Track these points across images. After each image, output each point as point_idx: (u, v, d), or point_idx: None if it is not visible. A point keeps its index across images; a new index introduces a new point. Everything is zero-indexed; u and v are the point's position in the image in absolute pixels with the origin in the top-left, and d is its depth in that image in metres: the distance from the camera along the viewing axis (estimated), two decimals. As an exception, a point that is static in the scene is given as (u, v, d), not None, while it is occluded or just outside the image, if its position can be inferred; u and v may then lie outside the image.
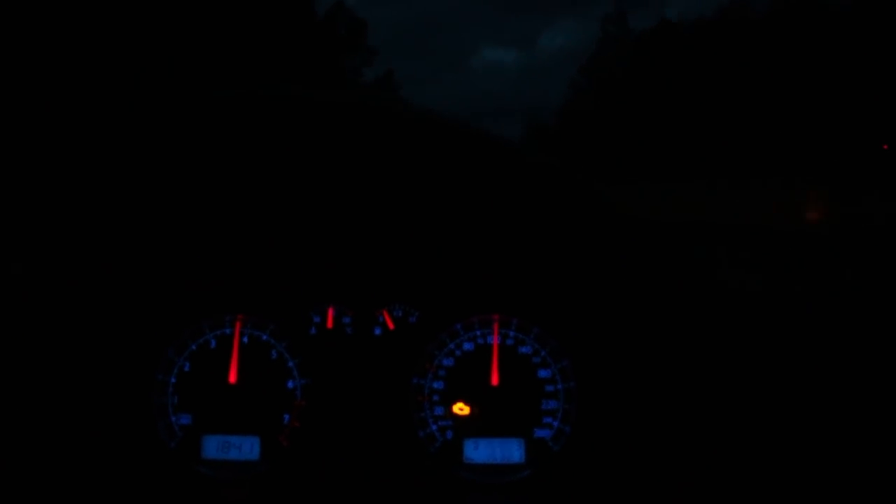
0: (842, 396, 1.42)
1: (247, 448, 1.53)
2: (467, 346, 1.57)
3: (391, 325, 1.57)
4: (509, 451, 1.53)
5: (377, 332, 1.57)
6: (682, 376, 1.46)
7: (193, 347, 1.57)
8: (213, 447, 1.53)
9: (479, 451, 1.53)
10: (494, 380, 1.53)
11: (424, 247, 1.55)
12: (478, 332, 1.57)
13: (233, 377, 1.54)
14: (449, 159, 1.32)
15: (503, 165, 1.30)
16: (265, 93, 1.15)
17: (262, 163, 1.45)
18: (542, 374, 1.56)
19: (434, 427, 1.54)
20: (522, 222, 1.49)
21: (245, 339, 1.57)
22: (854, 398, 1.41)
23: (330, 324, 1.57)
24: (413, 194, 1.50)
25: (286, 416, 1.54)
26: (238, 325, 1.56)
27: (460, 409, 1.55)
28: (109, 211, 1.50)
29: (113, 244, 1.54)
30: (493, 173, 1.34)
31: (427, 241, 1.55)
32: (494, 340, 1.55)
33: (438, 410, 1.55)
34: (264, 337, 1.57)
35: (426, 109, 1.16)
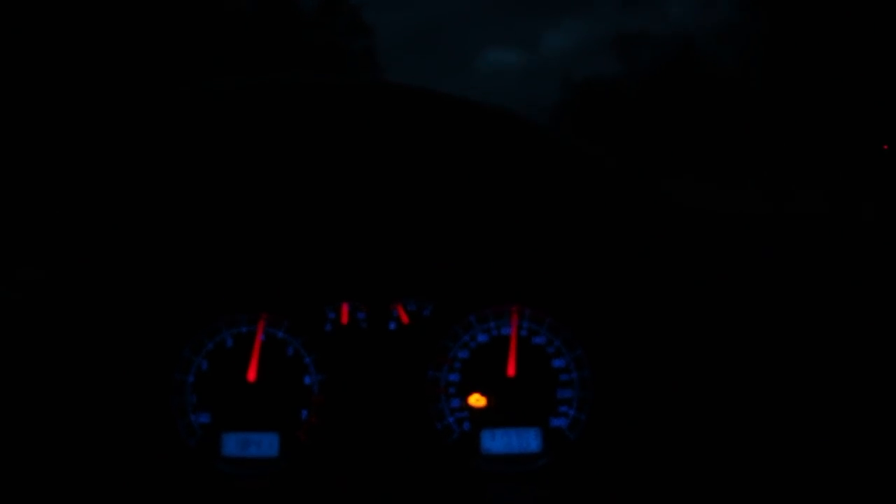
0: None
1: (266, 445, 1.55)
2: (482, 337, 1.58)
3: (405, 319, 1.58)
4: (526, 440, 1.54)
5: (392, 326, 1.58)
6: (697, 363, 1.47)
7: (210, 346, 1.59)
8: (233, 445, 1.55)
9: (497, 442, 1.54)
10: (511, 370, 1.54)
11: (435, 240, 1.57)
12: (492, 324, 1.58)
13: (252, 375, 1.55)
14: (458, 145, 1.32)
15: (517, 150, 1.30)
16: (273, 79, 1.16)
17: (271, 159, 1.46)
18: (557, 363, 1.57)
19: (451, 419, 1.55)
20: (532, 211, 1.50)
21: (262, 337, 1.58)
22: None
23: (345, 319, 1.58)
24: (421, 187, 1.51)
25: (304, 412, 1.56)
26: (262, 323, 1.57)
27: (476, 400, 1.56)
28: (122, 214, 1.52)
29: (126, 246, 1.56)
30: (504, 159, 1.34)
31: (437, 233, 1.56)
32: (513, 331, 1.56)
33: (455, 402, 1.56)
34: (280, 334, 1.59)
35: (436, 92, 1.17)
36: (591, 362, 1.56)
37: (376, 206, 1.54)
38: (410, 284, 1.59)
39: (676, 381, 1.48)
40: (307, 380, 1.57)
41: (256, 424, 1.55)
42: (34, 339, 1.49)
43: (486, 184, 1.44)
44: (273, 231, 1.58)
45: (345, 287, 1.60)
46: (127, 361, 1.54)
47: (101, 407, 1.51)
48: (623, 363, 1.53)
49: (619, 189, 1.35)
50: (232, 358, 1.58)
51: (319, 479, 1.52)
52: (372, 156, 1.43)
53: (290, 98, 1.20)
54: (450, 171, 1.42)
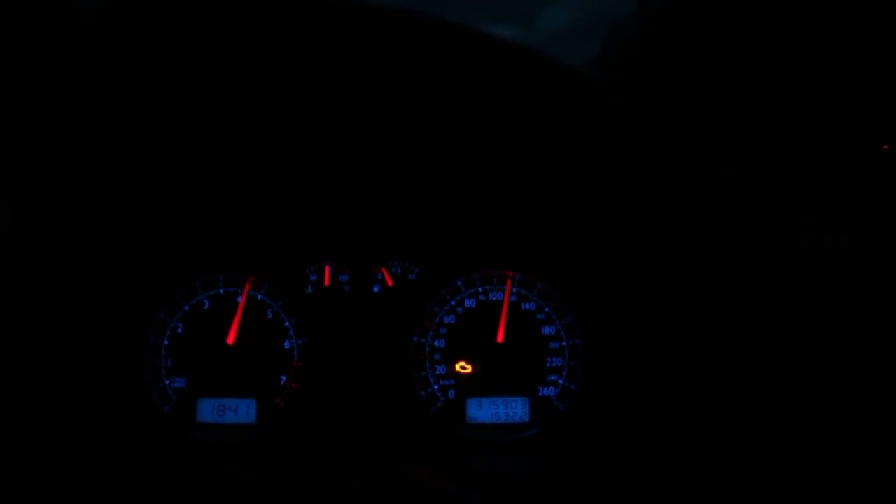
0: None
1: (243, 411, 1.49)
2: (469, 302, 1.53)
3: (390, 283, 1.52)
4: (513, 409, 1.48)
5: (376, 289, 1.52)
6: (689, 336, 1.42)
7: (186, 308, 1.52)
8: (209, 411, 1.49)
9: (483, 411, 1.49)
10: (500, 337, 1.49)
11: (423, 201, 1.50)
12: (479, 289, 1.53)
13: (232, 338, 1.49)
14: (450, 96, 1.25)
15: (525, 93, 1.22)
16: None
17: (253, 114, 1.39)
18: (546, 330, 1.52)
19: (436, 386, 1.50)
20: (527, 173, 1.44)
21: (238, 299, 1.52)
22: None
23: (327, 282, 1.52)
24: (410, 146, 1.44)
25: (283, 378, 1.50)
26: (247, 286, 1.51)
27: (462, 367, 1.50)
28: (99, 171, 1.45)
29: (102, 204, 1.49)
30: (501, 110, 1.27)
31: (425, 195, 1.50)
32: (506, 296, 1.50)
33: (440, 369, 1.50)
34: (259, 296, 1.53)
35: (438, 19, 1.08)
36: (581, 330, 1.51)
37: (362, 166, 1.48)
38: (396, 247, 1.53)
39: (667, 352, 1.43)
40: (287, 344, 1.51)
41: (233, 390, 1.49)
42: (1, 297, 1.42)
43: (480, 140, 1.38)
44: (253, 190, 1.51)
45: (327, 248, 1.53)
46: (100, 323, 1.47)
47: (71, 369, 1.44)
48: (614, 332, 1.48)
49: (626, 149, 1.30)
50: (208, 321, 1.51)
51: (298, 447, 1.46)
52: (359, 108, 1.36)
53: (270, 21, 1.11)
54: (441, 125, 1.34)
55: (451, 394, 1.50)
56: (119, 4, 1.04)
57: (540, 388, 1.50)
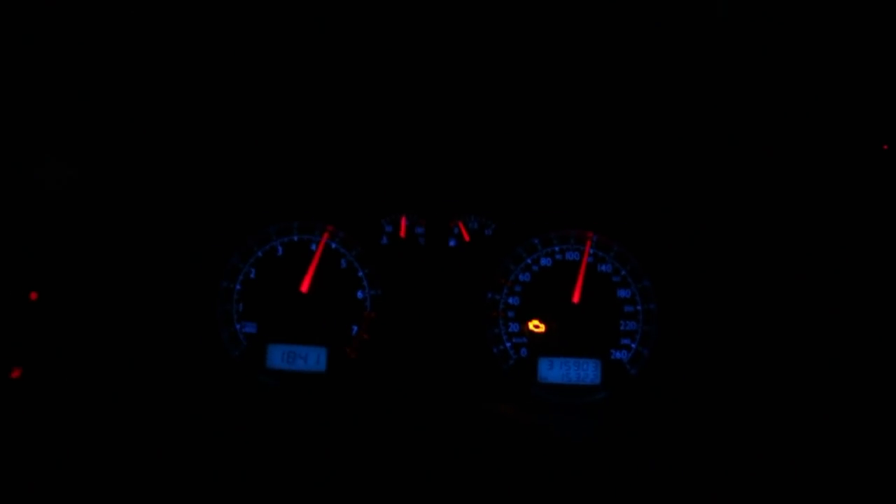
0: None
1: (313, 359, 1.48)
2: (545, 261, 1.51)
3: (466, 237, 1.50)
4: (585, 371, 1.47)
5: (451, 243, 1.51)
6: (768, 307, 1.40)
7: (259, 254, 1.51)
8: (278, 357, 1.48)
9: (554, 371, 1.47)
10: (576, 297, 1.47)
11: (504, 157, 1.48)
12: (556, 248, 1.51)
13: (306, 285, 1.48)
14: (534, 46, 1.22)
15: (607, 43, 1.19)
16: None
17: (336, 64, 1.37)
18: (622, 293, 1.50)
19: (508, 344, 1.48)
20: (609, 132, 1.41)
21: (313, 247, 1.51)
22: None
23: (402, 233, 1.51)
24: (494, 101, 1.42)
25: (355, 328, 1.49)
26: (325, 235, 1.49)
27: (536, 326, 1.49)
28: (175, 113, 1.44)
29: (178, 147, 1.48)
30: (588, 57, 1.24)
31: (507, 150, 1.47)
32: (584, 256, 1.48)
33: (513, 327, 1.49)
34: (334, 245, 1.51)
35: None
36: (657, 295, 1.49)
37: (443, 118, 1.46)
38: (474, 201, 1.51)
39: (743, 323, 1.41)
40: (360, 294, 1.50)
41: (304, 338, 1.49)
42: (77, 240, 1.42)
43: (564, 95, 1.35)
44: (332, 138, 1.49)
45: (404, 199, 1.52)
46: (173, 267, 1.47)
47: (144, 313, 1.44)
48: (690, 299, 1.45)
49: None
50: (281, 268, 1.51)
51: (367, 399, 1.46)
52: (442, 60, 1.34)
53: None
54: (527, 79, 1.32)
55: (524, 352, 1.48)
56: None
57: (612, 351, 1.48)
